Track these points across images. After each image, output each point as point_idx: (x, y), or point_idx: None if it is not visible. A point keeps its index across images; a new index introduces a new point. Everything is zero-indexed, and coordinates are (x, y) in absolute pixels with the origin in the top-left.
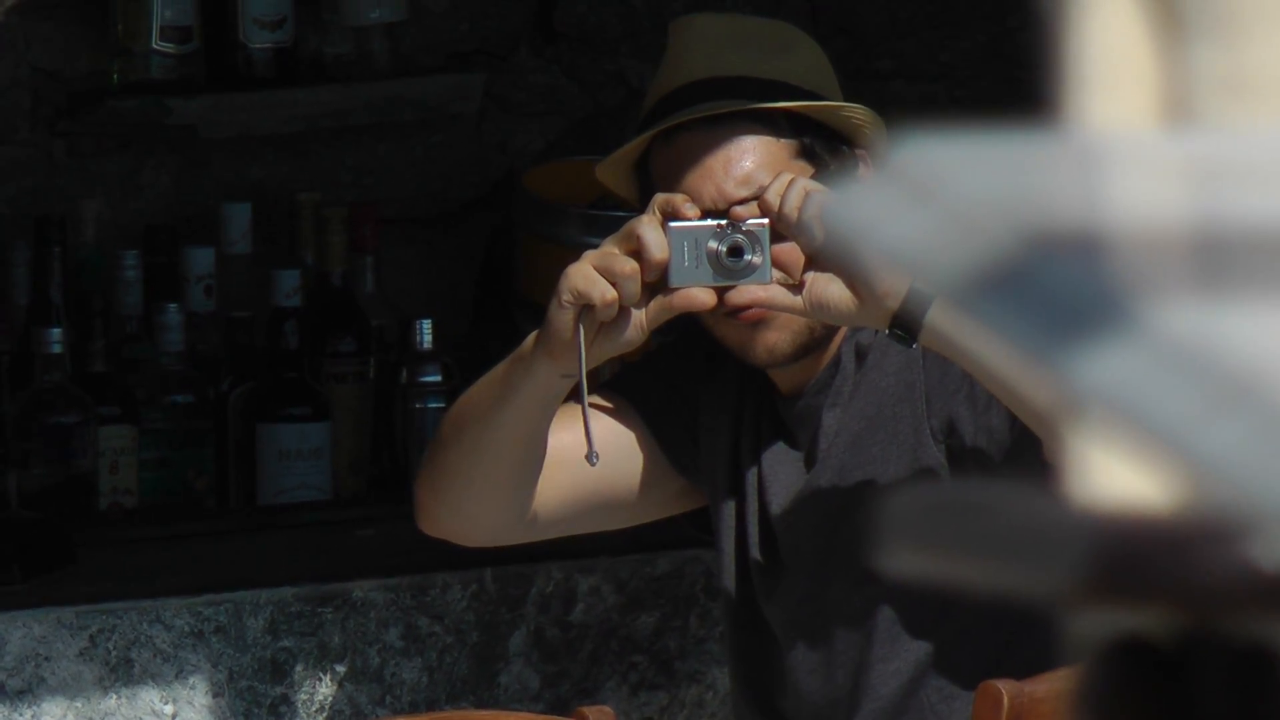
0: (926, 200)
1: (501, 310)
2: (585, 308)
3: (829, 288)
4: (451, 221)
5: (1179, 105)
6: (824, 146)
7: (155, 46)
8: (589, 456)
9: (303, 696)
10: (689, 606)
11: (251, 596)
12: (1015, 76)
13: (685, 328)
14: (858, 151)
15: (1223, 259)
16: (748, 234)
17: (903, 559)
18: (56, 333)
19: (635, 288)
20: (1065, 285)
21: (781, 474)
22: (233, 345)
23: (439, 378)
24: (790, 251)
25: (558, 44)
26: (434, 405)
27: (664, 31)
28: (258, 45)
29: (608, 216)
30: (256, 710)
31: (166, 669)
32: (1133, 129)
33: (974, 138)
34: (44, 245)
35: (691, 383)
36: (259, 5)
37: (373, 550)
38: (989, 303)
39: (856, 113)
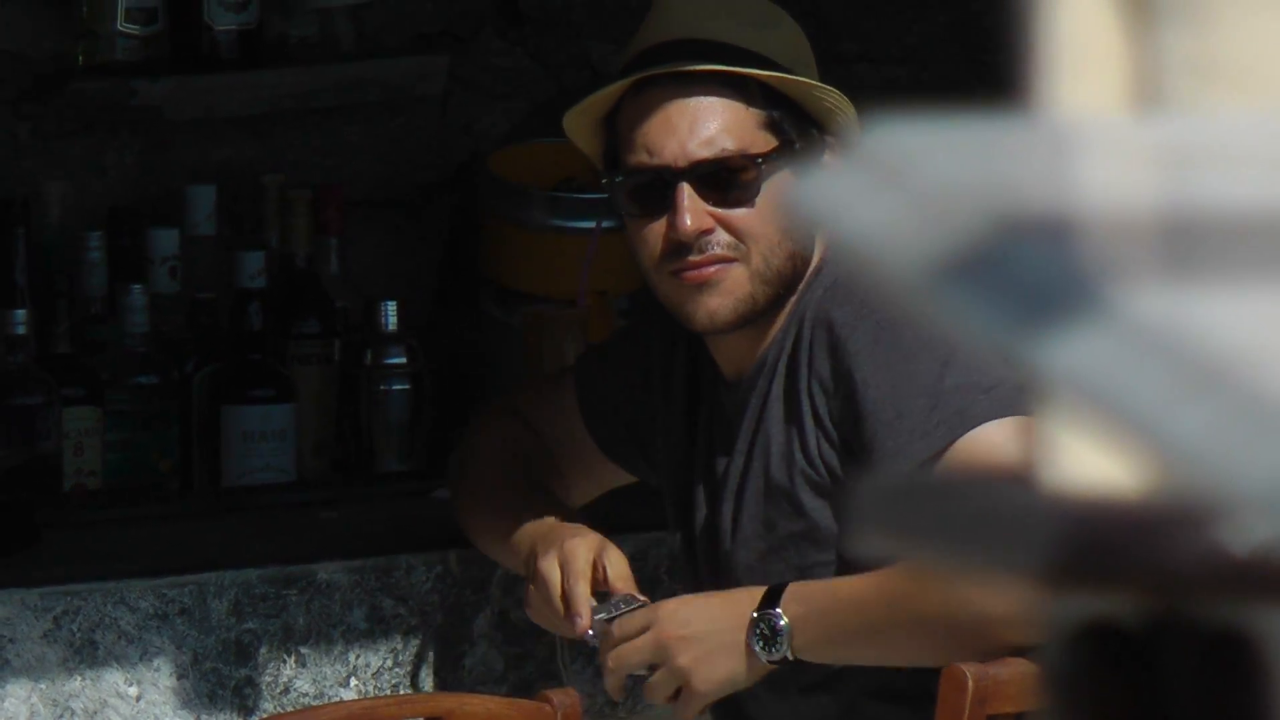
0: (895, 185)
1: (466, 292)
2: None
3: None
4: (416, 203)
5: (1148, 89)
6: (792, 124)
7: (120, 28)
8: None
9: (267, 679)
10: (653, 589)
11: (216, 578)
12: (981, 59)
13: (645, 308)
14: (826, 137)
15: (1191, 244)
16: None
17: (874, 543)
18: (21, 314)
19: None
20: (1035, 270)
21: (727, 461)
22: (197, 327)
23: (403, 360)
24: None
25: (522, 26)
26: (398, 387)
27: (628, 14)
28: (222, 27)
29: (571, 199)
30: (221, 692)
31: (131, 651)
32: (1102, 113)
33: (942, 122)
34: (8, 227)
35: (643, 372)
36: None
37: (337, 532)
38: (958, 288)
39: (829, 96)
